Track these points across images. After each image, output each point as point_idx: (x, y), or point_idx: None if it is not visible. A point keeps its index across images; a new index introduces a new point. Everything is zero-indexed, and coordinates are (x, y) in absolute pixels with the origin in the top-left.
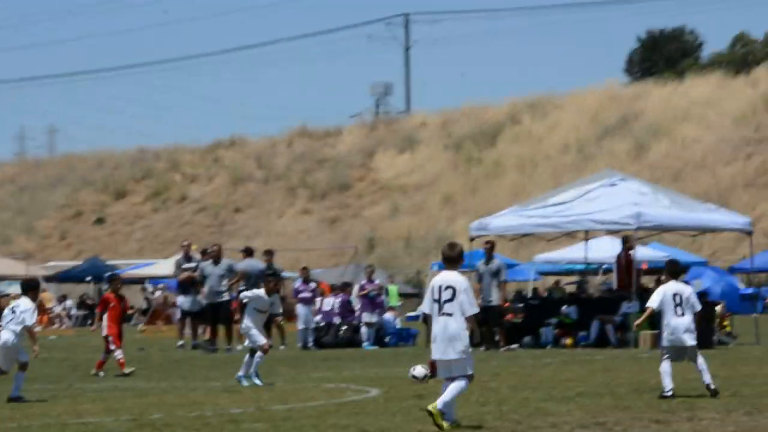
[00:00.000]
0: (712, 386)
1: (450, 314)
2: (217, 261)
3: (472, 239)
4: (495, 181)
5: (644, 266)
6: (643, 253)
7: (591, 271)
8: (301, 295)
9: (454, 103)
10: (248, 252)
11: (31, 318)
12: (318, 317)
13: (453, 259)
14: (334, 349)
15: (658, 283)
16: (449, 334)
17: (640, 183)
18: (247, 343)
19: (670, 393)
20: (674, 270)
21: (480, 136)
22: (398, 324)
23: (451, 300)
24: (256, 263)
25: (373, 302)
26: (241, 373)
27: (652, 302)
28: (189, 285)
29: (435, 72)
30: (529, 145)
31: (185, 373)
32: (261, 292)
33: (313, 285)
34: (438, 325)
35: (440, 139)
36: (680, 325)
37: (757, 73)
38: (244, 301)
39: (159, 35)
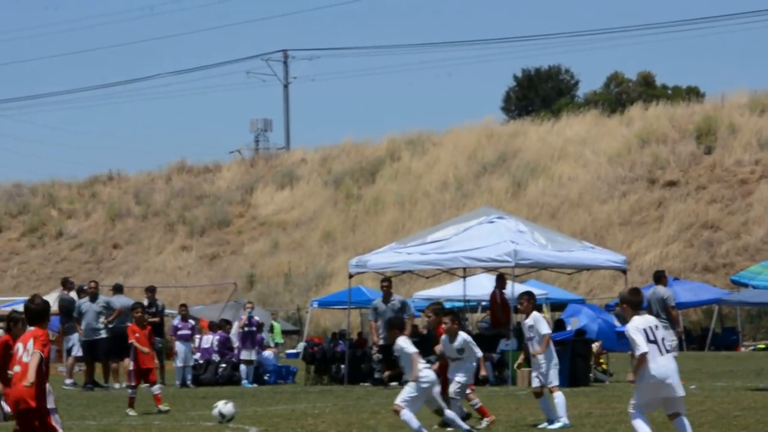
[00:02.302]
0: None
1: (669, 352)
2: (94, 298)
3: (351, 276)
4: (374, 218)
5: None
6: (522, 290)
7: (470, 308)
8: (180, 333)
9: (334, 139)
10: (117, 289)
11: None
12: (197, 355)
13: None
14: (213, 387)
15: None
16: (677, 372)
17: (517, 221)
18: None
19: None
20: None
21: (359, 173)
22: (277, 361)
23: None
24: (125, 300)
25: (252, 339)
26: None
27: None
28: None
29: (314, 108)
30: (408, 182)
31: (61, 412)
32: None
33: (191, 322)
34: (666, 364)
35: (320, 175)
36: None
37: (632, 113)
38: None
39: (36, 69)
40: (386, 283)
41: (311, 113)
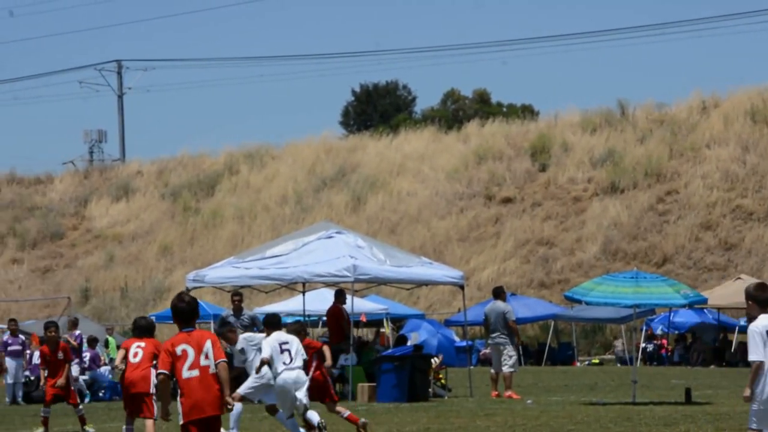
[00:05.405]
0: None
1: None
2: None
3: (188, 290)
4: (213, 232)
5: (363, 318)
6: (362, 305)
7: (310, 323)
8: (10, 348)
9: (170, 152)
10: None
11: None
12: (28, 371)
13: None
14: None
15: (377, 335)
16: None
17: (356, 236)
18: None
19: None
20: (273, 321)
21: (197, 186)
22: (113, 377)
23: None
24: None
25: (78, 355)
26: None
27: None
28: None
29: (149, 120)
30: (247, 196)
31: None
32: None
33: (22, 337)
34: None
35: (156, 188)
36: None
37: (468, 130)
38: None
39: None
40: (237, 298)
41: (146, 125)
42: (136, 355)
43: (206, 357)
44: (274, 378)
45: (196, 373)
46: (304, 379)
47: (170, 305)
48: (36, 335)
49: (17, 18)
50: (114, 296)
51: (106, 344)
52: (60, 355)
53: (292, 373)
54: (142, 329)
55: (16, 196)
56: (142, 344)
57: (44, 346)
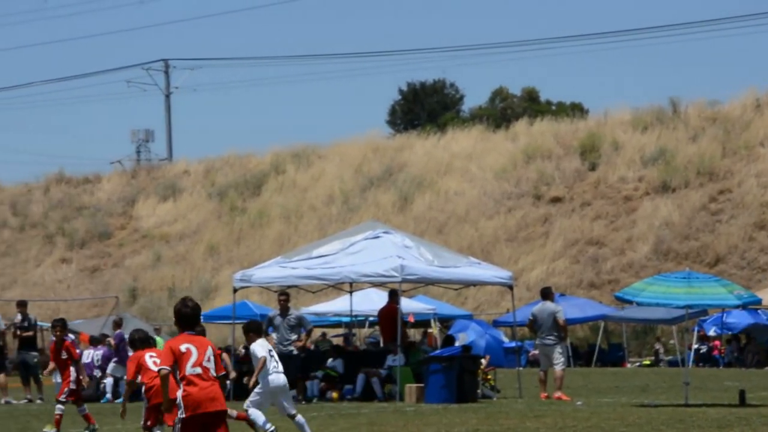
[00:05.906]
0: None
1: None
2: None
3: (235, 290)
4: (260, 231)
5: (411, 319)
6: (410, 305)
7: (357, 323)
8: None
9: (217, 151)
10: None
11: None
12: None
13: None
14: (95, 403)
15: (425, 335)
16: None
17: (403, 236)
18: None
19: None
20: (257, 328)
21: (244, 186)
22: None
23: None
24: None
25: (117, 354)
26: None
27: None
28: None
29: (197, 119)
30: (294, 196)
31: None
32: None
33: (71, 337)
34: None
35: (203, 187)
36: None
37: (517, 128)
38: None
39: None
40: (283, 297)
41: (193, 124)
42: (155, 363)
43: (208, 360)
44: (265, 378)
45: (199, 370)
46: (287, 386)
47: (174, 309)
48: (85, 334)
49: (65, 18)
50: (161, 296)
51: (154, 344)
52: (64, 354)
53: (280, 378)
54: (141, 341)
55: (64, 196)
56: (153, 353)
57: (52, 345)
